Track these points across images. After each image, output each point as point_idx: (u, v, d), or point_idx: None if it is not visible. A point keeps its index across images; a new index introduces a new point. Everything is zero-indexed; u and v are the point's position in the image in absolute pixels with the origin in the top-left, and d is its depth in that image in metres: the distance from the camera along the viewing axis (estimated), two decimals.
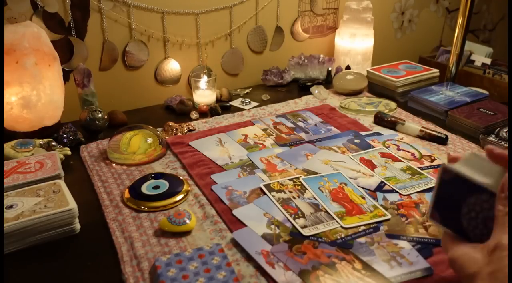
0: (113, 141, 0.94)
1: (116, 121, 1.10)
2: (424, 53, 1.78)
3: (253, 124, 1.10)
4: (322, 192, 0.81)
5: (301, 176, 0.86)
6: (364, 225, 0.72)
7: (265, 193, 0.80)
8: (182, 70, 1.32)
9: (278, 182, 0.84)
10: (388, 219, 0.73)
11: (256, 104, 1.25)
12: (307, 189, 0.82)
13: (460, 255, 0.50)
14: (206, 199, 0.80)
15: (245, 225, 0.72)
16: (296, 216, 0.73)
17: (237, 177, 0.86)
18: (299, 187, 0.82)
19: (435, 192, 0.56)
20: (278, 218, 0.73)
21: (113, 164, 0.92)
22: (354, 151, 0.96)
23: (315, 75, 1.43)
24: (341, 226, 0.71)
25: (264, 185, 0.82)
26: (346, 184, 0.83)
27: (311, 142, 1.01)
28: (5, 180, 0.77)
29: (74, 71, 1.08)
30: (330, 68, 1.42)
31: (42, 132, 1.00)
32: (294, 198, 0.79)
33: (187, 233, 0.71)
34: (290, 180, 0.85)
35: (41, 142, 0.93)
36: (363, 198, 0.79)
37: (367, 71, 1.38)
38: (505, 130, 1.00)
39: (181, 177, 0.85)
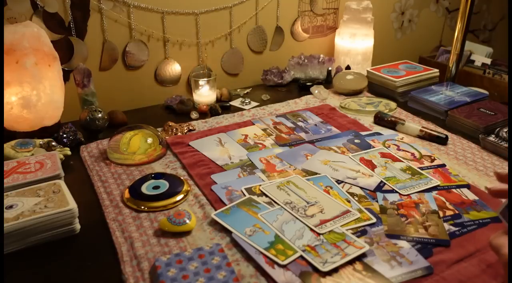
0: (113, 141, 0.94)
1: (116, 121, 1.10)
2: (424, 53, 1.78)
3: (253, 124, 1.10)
4: None
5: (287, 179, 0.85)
6: (351, 229, 0.71)
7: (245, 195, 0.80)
8: (182, 70, 1.32)
9: (259, 185, 0.82)
10: (373, 223, 0.73)
11: (256, 104, 1.25)
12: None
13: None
14: (206, 199, 0.80)
15: None
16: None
17: (237, 177, 0.86)
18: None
19: None
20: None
21: (113, 164, 0.92)
22: (354, 151, 0.96)
23: (315, 75, 1.43)
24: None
25: (245, 189, 0.81)
26: (331, 188, 0.83)
27: (311, 142, 1.01)
28: (5, 180, 0.77)
29: (74, 71, 1.08)
30: (330, 68, 1.42)
31: (42, 132, 1.00)
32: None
33: (187, 233, 0.71)
34: None
35: (41, 142, 0.93)
36: (348, 201, 0.79)
37: (367, 71, 1.38)
38: (505, 130, 1.00)
39: (181, 177, 0.85)
